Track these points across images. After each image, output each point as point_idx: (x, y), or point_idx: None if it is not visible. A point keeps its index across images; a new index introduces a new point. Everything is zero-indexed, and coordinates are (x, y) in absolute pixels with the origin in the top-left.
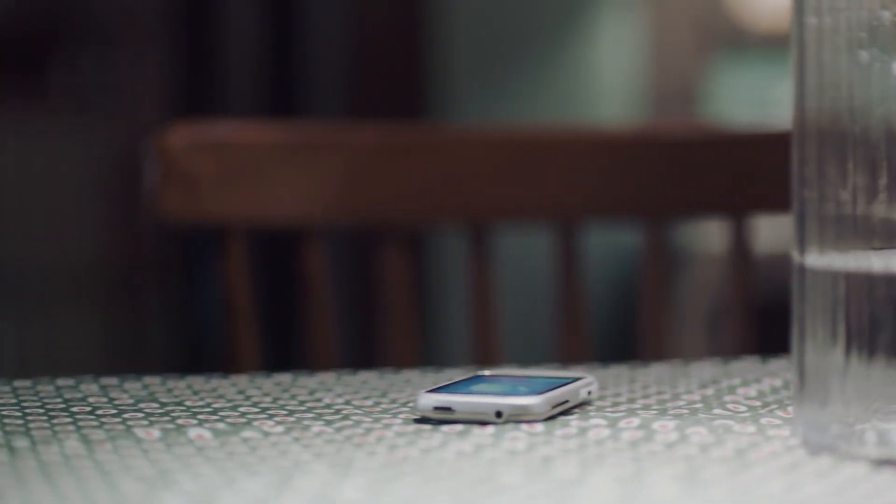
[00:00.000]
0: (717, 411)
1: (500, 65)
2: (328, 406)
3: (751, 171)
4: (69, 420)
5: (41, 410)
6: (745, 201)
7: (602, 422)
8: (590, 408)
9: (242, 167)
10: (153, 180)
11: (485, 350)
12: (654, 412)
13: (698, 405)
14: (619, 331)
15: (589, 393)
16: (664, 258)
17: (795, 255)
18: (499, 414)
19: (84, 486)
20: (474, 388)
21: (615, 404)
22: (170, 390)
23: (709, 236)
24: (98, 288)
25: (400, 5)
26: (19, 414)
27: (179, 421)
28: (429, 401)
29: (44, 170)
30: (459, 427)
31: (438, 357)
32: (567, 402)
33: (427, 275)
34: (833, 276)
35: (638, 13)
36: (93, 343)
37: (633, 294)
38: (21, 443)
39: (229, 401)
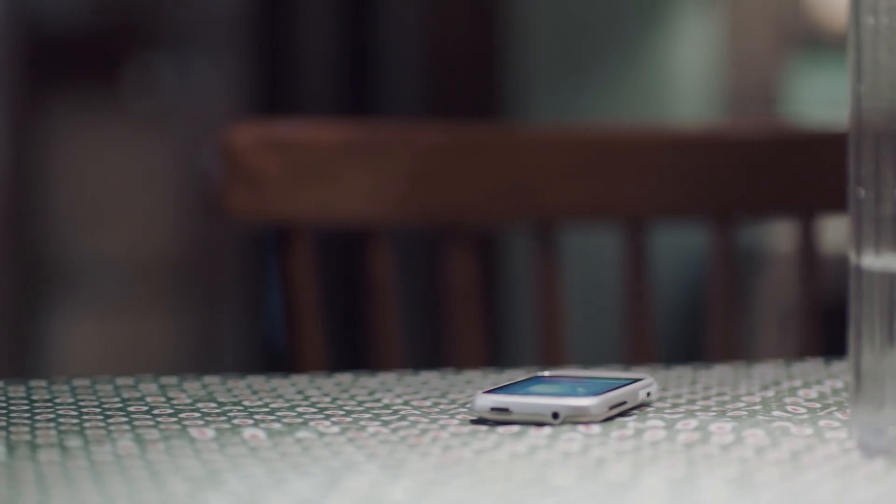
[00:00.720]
0: (776, 413)
1: (576, 64)
2: (386, 406)
3: (818, 171)
4: (125, 419)
5: (98, 410)
6: (812, 201)
7: (659, 423)
8: (649, 409)
9: (308, 166)
10: (218, 179)
11: (551, 350)
12: (713, 414)
13: (757, 407)
14: (687, 331)
15: (648, 394)
16: (732, 258)
17: (852, 257)
18: (555, 415)
19: (132, 486)
20: (532, 388)
21: (675, 405)
22: (229, 390)
23: (785, 236)
24: (174, 287)
25: (476, 4)
26: (75, 413)
27: (236, 421)
28: (485, 402)
29: (119, 170)
30: (515, 428)
31: (505, 358)
32: (625, 403)
33: (495, 275)
34: (890, 278)
35: (716, 13)
36: (169, 342)
37: (702, 294)
38: (74, 442)
39: (288, 401)
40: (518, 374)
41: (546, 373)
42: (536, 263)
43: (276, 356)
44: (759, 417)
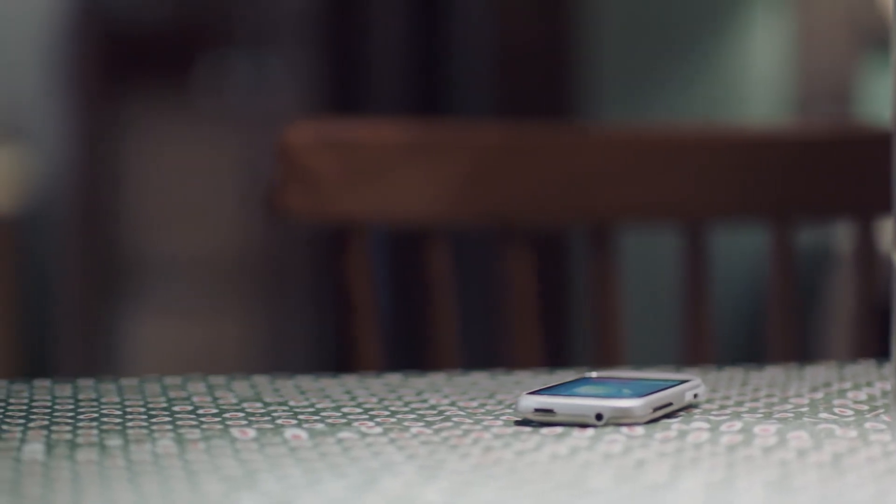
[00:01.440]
0: (823, 415)
1: (647, 65)
2: (433, 407)
3: (877, 172)
4: (168, 419)
5: (142, 409)
6: (871, 202)
7: (704, 425)
8: (695, 411)
9: (365, 166)
10: (275, 177)
11: (609, 351)
12: (759, 416)
13: (804, 409)
14: (747, 333)
15: (695, 396)
16: (791, 259)
17: (894, 257)
18: (599, 416)
19: (166, 486)
20: (578, 390)
21: (722, 407)
22: (276, 390)
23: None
24: (247, 287)
25: (547, 3)
26: (119, 413)
27: (279, 421)
28: (529, 403)
29: (191, 169)
30: (559, 429)
31: (563, 358)
32: (670, 404)
33: (553, 275)
34: None
35: (788, 12)
36: (241, 342)
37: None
38: (114, 441)
39: (335, 401)
40: (569, 376)
41: (594, 374)
42: (593, 264)
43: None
44: (805, 419)
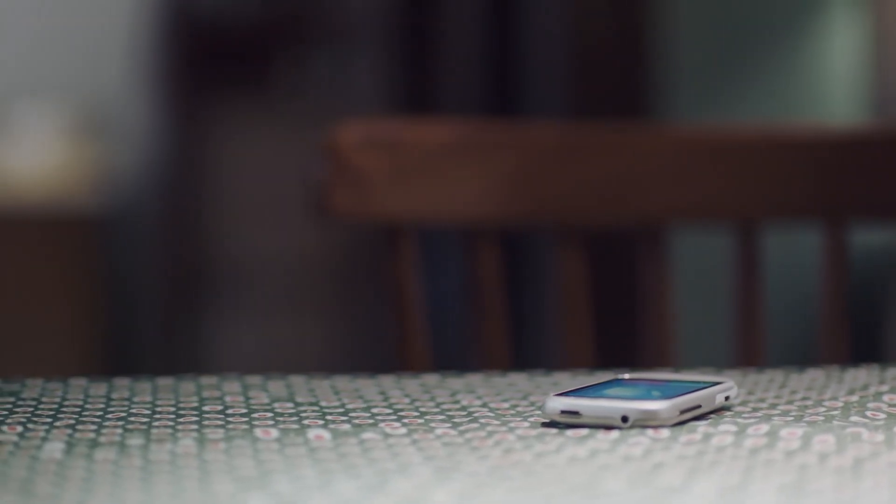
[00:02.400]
0: (853, 418)
1: (722, 64)
2: (463, 408)
3: None
4: (195, 419)
5: (172, 409)
6: None
7: (732, 428)
8: (727, 413)
9: (414, 165)
10: (323, 177)
11: (659, 351)
12: (790, 418)
13: (836, 412)
14: (800, 334)
15: (727, 398)
16: (843, 260)
17: None
18: (625, 419)
19: (178, 486)
20: (606, 391)
21: (755, 409)
22: (311, 390)
23: None
24: (328, 287)
25: (622, 3)
26: (148, 412)
27: (306, 421)
28: (556, 404)
29: (271, 168)
30: (584, 431)
31: (613, 358)
32: (699, 407)
33: (603, 275)
34: None
35: (866, 13)
36: (321, 341)
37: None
38: (135, 441)
39: (367, 401)
40: (606, 377)
41: (626, 375)
42: (648, 264)
43: (442, 354)
44: (835, 422)
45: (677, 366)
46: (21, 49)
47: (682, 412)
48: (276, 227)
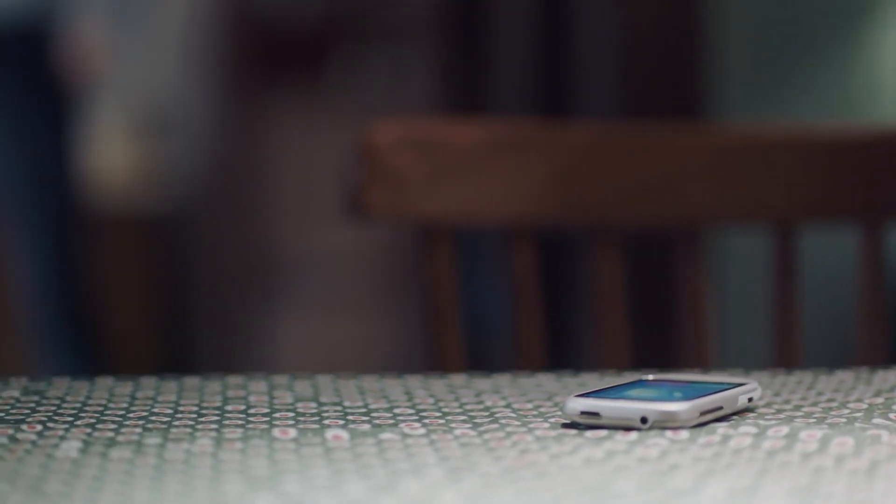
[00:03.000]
0: (876, 420)
1: (774, 64)
2: (486, 409)
3: None
4: (216, 418)
5: (194, 408)
6: None
7: (752, 430)
8: (750, 415)
9: (449, 165)
10: (358, 177)
11: (696, 353)
12: (812, 420)
13: (859, 414)
14: (837, 335)
15: (750, 400)
16: (880, 261)
17: None
18: (644, 420)
19: (188, 486)
20: (628, 393)
21: (779, 411)
22: (337, 390)
23: None
24: (383, 286)
25: (673, 2)
26: (170, 412)
27: (326, 421)
28: (576, 405)
29: (325, 165)
30: (603, 433)
31: (650, 360)
32: (721, 408)
33: (641, 276)
34: None
35: None
36: (379, 338)
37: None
38: (152, 440)
39: (391, 402)
40: (631, 378)
41: (650, 376)
42: (683, 265)
43: (484, 355)
44: (857, 424)
45: (715, 367)
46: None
47: (703, 413)
48: (334, 225)
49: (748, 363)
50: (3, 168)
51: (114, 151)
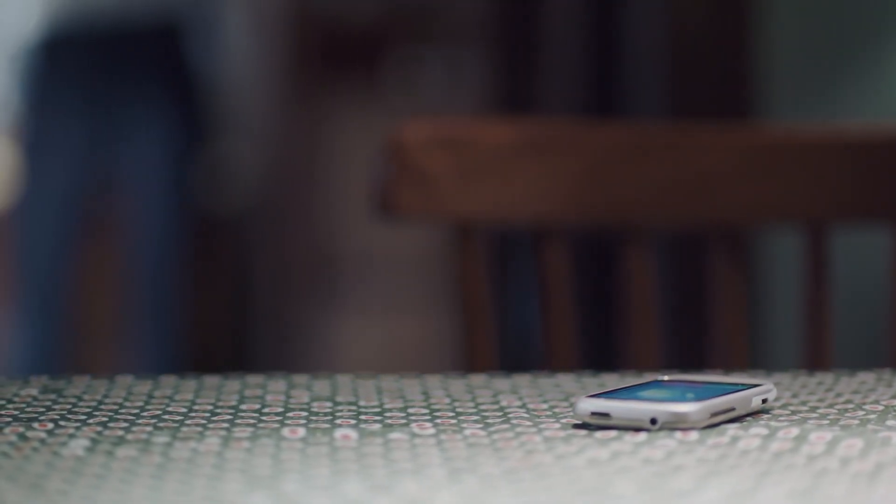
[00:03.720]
0: (890, 422)
1: (826, 65)
2: (501, 409)
3: None
4: (229, 417)
5: (209, 408)
6: None
7: (762, 431)
8: (764, 416)
9: (479, 164)
10: (387, 177)
11: (730, 353)
12: (826, 422)
13: (873, 416)
14: (871, 336)
15: (764, 401)
16: None
17: None
18: (654, 421)
19: (188, 484)
20: (640, 393)
21: (794, 413)
22: (355, 389)
23: None
24: (439, 285)
25: (724, 2)
26: (185, 410)
27: (339, 421)
28: (587, 406)
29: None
30: (613, 433)
31: (683, 360)
32: (733, 409)
33: (672, 277)
34: None
35: None
36: (433, 340)
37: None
38: (161, 439)
39: (407, 401)
40: (647, 379)
41: (665, 377)
42: (718, 265)
43: (528, 356)
44: (870, 427)
45: (749, 368)
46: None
47: (714, 415)
48: (392, 224)
49: (783, 364)
50: (142, 163)
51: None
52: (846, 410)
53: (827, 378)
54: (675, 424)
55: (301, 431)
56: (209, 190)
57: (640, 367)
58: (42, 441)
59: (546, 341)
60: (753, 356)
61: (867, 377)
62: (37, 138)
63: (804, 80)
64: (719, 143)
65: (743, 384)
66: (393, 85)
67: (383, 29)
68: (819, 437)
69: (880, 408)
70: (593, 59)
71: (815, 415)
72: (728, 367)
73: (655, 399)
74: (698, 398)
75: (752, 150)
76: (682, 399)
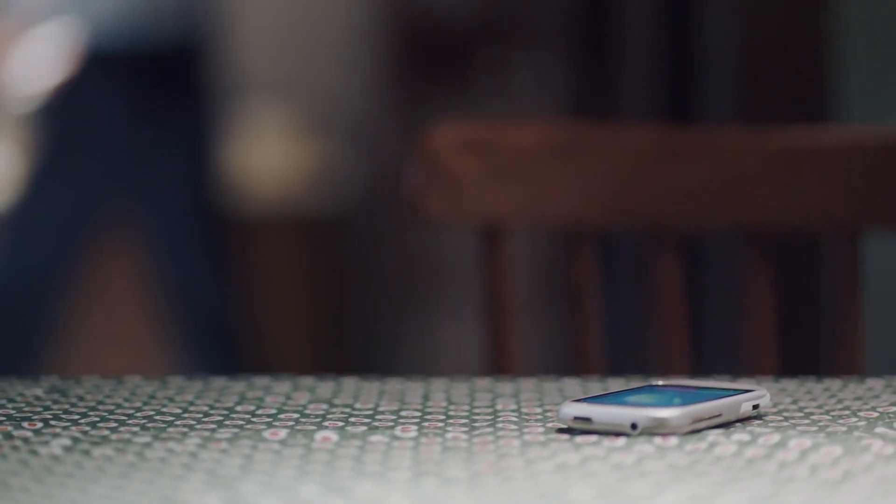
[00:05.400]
0: (878, 430)
1: None
2: (494, 413)
3: None
4: (219, 419)
5: (204, 409)
6: None
7: (745, 437)
8: (755, 422)
9: (508, 167)
10: (417, 180)
11: (751, 358)
12: (813, 429)
13: (862, 423)
14: None
15: (755, 407)
16: None
17: None
18: (634, 426)
19: (151, 483)
20: (627, 398)
21: (787, 419)
22: (357, 391)
23: None
24: (543, 288)
25: (797, 7)
26: (178, 411)
27: (327, 423)
28: (570, 410)
29: None
30: (593, 438)
31: (707, 364)
32: (719, 415)
33: (701, 280)
34: None
35: None
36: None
37: None
38: (142, 439)
39: (404, 404)
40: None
41: (659, 382)
42: (746, 269)
43: (630, 359)
44: (856, 434)
45: (767, 372)
46: (254, 49)
47: (696, 421)
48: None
49: (812, 370)
50: (156, 174)
51: (279, 152)
52: (840, 417)
53: (834, 384)
54: (656, 430)
55: (282, 433)
56: (224, 192)
57: (669, 372)
58: (25, 440)
59: (573, 344)
60: (784, 361)
61: (875, 383)
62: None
63: (879, 82)
64: (752, 146)
65: (734, 390)
66: (484, 88)
67: (474, 32)
68: (798, 444)
69: (875, 415)
70: (669, 61)
71: (806, 421)
72: (758, 372)
73: (640, 404)
74: (683, 404)
75: (786, 153)
76: (668, 404)
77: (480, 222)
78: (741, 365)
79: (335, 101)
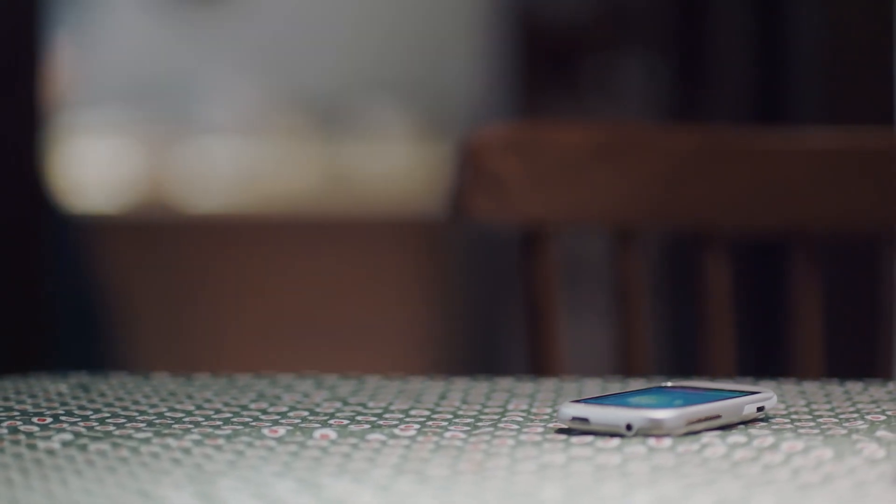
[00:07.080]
0: (879, 433)
1: None
2: (503, 413)
3: None
4: (227, 416)
5: (217, 406)
6: None
7: (741, 439)
8: (758, 424)
9: (553, 168)
10: (462, 181)
11: (804, 360)
12: (814, 432)
13: (865, 426)
14: None
15: (760, 409)
16: None
17: None
18: (629, 427)
19: (135, 478)
20: (628, 399)
21: (792, 421)
22: (375, 389)
23: None
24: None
25: (882, 6)
26: (190, 409)
27: (332, 421)
28: (569, 410)
29: None
30: (588, 439)
31: (757, 367)
32: (718, 417)
33: (748, 282)
34: None
35: None
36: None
37: None
38: (142, 435)
39: (416, 403)
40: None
41: (669, 383)
42: (793, 272)
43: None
44: (854, 437)
45: (815, 374)
46: (369, 50)
47: (693, 422)
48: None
49: (851, 371)
50: None
51: (400, 154)
52: (844, 420)
53: (855, 387)
54: (651, 431)
55: (281, 431)
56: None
57: (714, 374)
58: (29, 434)
59: (621, 344)
60: (828, 364)
61: (894, 387)
62: None
63: None
64: (799, 148)
65: (739, 391)
66: (593, 89)
67: (585, 33)
68: (790, 447)
69: (882, 418)
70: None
71: (811, 423)
72: (805, 375)
73: (638, 405)
74: (683, 405)
75: (824, 156)
76: (668, 406)
77: (524, 223)
78: (788, 369)
79: (457, 103)
